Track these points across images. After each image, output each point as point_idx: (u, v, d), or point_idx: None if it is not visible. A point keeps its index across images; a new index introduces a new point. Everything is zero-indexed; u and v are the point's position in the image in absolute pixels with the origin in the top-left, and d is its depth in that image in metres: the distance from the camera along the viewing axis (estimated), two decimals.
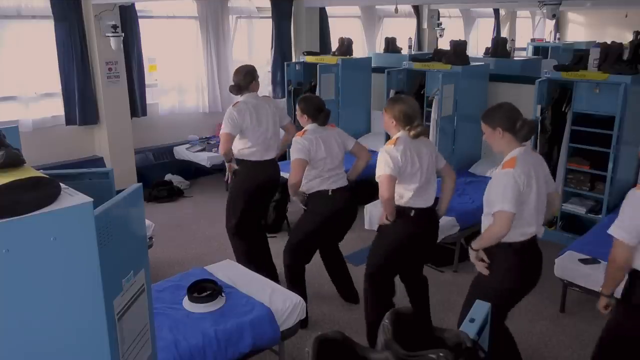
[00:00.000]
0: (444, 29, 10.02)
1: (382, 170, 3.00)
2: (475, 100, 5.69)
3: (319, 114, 3.54)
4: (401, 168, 2.98)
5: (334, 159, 3.54)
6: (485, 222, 2.68)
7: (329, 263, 3.99)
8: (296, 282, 3.69)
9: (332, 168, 3.54)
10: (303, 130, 3.54)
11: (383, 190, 3.00)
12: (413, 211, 3.09)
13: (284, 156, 6.51)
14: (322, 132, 3.53)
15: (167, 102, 6.87)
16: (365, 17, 9.05)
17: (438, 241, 4.23)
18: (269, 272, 4.03)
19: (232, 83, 3.94)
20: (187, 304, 2.98)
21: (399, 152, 2.98)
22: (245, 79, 3.87)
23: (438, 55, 6.06)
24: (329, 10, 8.07)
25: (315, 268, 4.16)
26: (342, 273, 3.99)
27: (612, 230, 2.32)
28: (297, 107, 3.64)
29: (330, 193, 3.55)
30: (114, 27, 5.65)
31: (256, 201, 4.05)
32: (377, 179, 3.04)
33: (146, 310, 1.61)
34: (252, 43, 7.57)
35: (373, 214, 4.60)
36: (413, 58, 6.47)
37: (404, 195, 3.08)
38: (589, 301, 3.84)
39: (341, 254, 4.01)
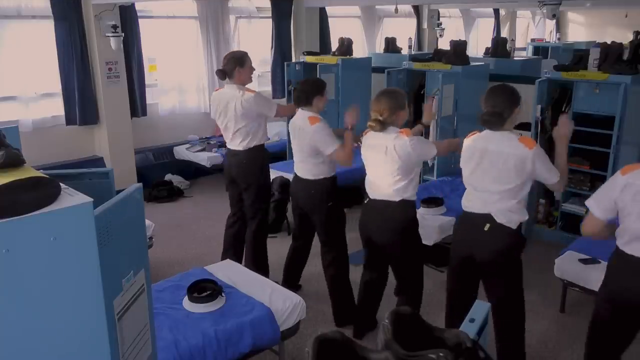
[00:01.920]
0: (444, 29, 10.02)
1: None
2: (475, 100, 5.61)
3: (294, 94, 3.74)
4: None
5: (298, 145, 3.64)
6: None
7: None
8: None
9: (295, 151, 3.71)
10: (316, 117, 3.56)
11: None
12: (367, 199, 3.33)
13: (284, 156, 6.53)
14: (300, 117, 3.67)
15: (167, 102, 6.87)
16: (365, 17, 9.05)
17: (438, 241, 4.25)
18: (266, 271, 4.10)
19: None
20: (187, 304, 2.98)
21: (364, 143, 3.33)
22: (228, 64, 3.82)
23: (438, 55, 6.06)
24: (329, 10, 8.07)
25: (316, 268, 4.16)
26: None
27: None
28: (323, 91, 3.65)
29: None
30: (114, 27, 5.65)
31: (230, 191, 4.20)
32: None
33: (146, 310, 1.61)
34: (252, 43, 7.56)
35: None
36: (413, 58, 6.47)
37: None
38: (589, 301, 3.84)
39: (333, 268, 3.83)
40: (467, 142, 2.96)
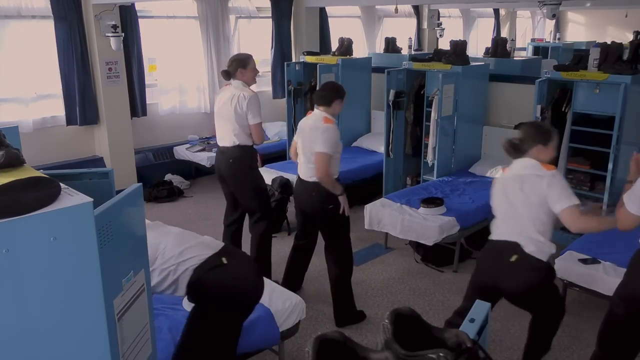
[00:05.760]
0: (444, 29, 10.03)
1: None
2: (475, 100, 5.68)
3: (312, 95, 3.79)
4: None
5: (304, 147, 3.60)
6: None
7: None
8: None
9: (300, 153, 3.65)
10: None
11: None
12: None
13: (284, 156, 6.54)
14: (311, 120, 3.63)
15: (167, 102, 6.87)
16: (365, 17, 9.05)
17: (438, 241, 4.25)
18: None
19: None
20: (187, 304, 2.97)
21: None
22: (231, 66, 3.93)
23: (438, 55, 6.06)
24: (329, 10, 8.06)
25: (316, 268, 4.17)
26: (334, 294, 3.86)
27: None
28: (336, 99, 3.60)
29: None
30: (114, 27, 5.65)
31: (224, 189, 4.20)
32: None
33: (146, 310, 1.61)
34: (252, 43, 7.56)
35: (373, 214, 4.61)
36: (413, 58, 6.48)
37: None
38: (589, 301, 3.84)
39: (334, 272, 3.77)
40: (497, 177, 2.95)
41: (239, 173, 3.98)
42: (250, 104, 3.84)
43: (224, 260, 2.41)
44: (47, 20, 5.57)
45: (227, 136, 3.95)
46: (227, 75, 3.94)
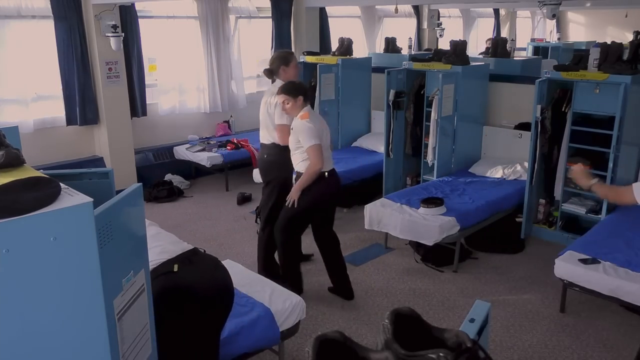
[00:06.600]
0: (444, 29, 10.04)
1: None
2: (475, 100, 5.68)
3: (307, 93, 3.72)
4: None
5: (327, 140, 3.74)
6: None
7: (325, 251, 3.97)
8: (291, 261, 3.86)
9: (326, 149, 3.70)
10: (304, 113, 3.62)
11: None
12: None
13: None
14: (317, 114, 3.72)
15: (167, 102, 6.87)
16: (365, 17, 9.06)
17: (438, 241, 4.26)
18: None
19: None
20: None
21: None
22: (274, 63, 3.97)
23: (438, 55, 6.06)
24: (329, 10, 8.07)
25: (316, 268, 4.17)
26: (337, 263, 3.98)
27: None
28: (284, 96, 3.65)
29: (326, 175, 3.71)
30: (114, 27, 5.65)
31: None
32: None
33: (146, 310, 1.61)
34: (252, 43, 7.57)
35: (373, 214, 4.61)
36: (413, 58, 6.48)
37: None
38: (589, 301, 3.85)
39: (338, 242, 3.95)
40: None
41: (272, 170, 3.99)
42: (278, 107, 3.84)
43: (175, 267, 2.29)
44: (47, 20, 5.57)
45: (265, 134, 4.02)
46: (270, 73, 3.97)
